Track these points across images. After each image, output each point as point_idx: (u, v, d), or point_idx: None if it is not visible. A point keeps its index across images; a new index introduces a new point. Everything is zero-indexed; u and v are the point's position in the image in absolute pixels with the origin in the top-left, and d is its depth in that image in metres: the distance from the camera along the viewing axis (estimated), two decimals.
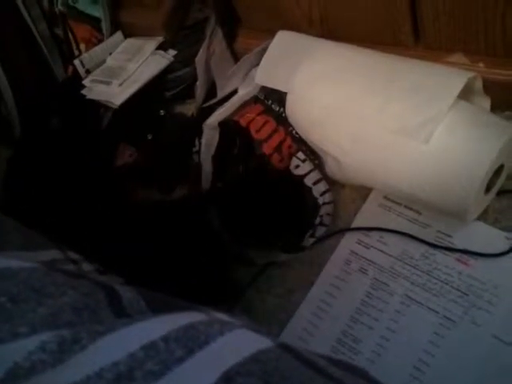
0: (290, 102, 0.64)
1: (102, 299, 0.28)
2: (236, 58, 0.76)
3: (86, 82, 0.81)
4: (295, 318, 0.57)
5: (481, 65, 0.61)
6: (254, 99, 0.69)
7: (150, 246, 0.59)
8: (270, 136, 0.65)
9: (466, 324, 0.52)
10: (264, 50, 0.69)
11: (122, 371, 0.22)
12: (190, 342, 0.25)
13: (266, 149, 0.65)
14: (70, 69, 0.84)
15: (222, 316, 0.31)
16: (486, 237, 0.56)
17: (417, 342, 0.53)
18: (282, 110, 0.66)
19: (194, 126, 0.70)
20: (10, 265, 0.29)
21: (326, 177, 0.64)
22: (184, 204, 0.66)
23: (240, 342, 0.27)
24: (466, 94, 0.56)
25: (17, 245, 0.43)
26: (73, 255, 0.48)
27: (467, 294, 0.53)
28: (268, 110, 0.67)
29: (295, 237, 0.62)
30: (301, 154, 0.64)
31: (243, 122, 0.66)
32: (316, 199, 0.62)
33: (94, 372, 0.22)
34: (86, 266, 0.48)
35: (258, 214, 0.61)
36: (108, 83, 0.79)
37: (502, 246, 0.55)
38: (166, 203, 0.67)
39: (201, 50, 0.74)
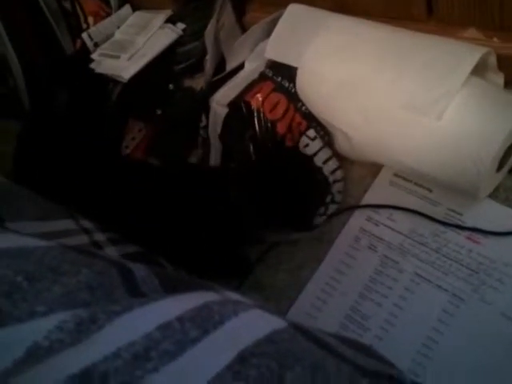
0: (300, 77, 0.63)
1: (116, 277, 0.28)
2: (245, 31, 0.75)
3: (94, 55, 0.81)
4: (304, 294, 0.57)
5: (495, 40, 0.60)
6: (264, 76, 0.68)
7: (165, 216, 0.59)
8: (283, 115, 0.64)
9: (475, 302, 0.52)
10: (273, 22, 0.68)
11: (139, 351, 0.22)
12: (204, 322, 0.25)
13: (280, 128, 0.64)
14: (78, 42, 0.83)
15: (235, 296, 0.32)
16: (497, 215, 0.55)
17: (425, 319, 0.53)
18: (291, 85, 0.65)
19: (202, 101, 0.70)
20: (25, 243, 0.29)
21: (336, 154, 0.63)
22: (203, 176, 0.66)
23: (254, 323, 0.27)
24: (479, 69, 0.55)
25: (31, 214, 0.44)
26: (86, 224, 0.49)
27: (477, 272, 0.53)
28: (279, 88, 0.66)
29: (306, 215, 0.61)
30: (311, 132, 0.63)
31: (254, 103, 0.65)
32: (327, 178, 0.62)
33: (111, 352, 0.22)
34: (99, 236, 0.49)
35: (270, 194, 0.61)
36: (117, 57, 0.78)
37: None
38: (186, 172, 0.67)
39: (210, 24, 0.73)
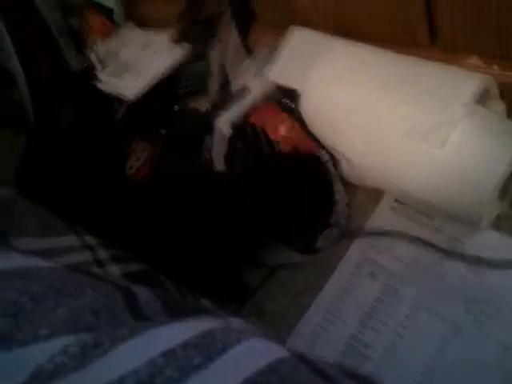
0: (303, 101, 0.64)
1: (120, 301, 0.29)
2: (250, 53, 0.75)
3: (99, 73, 0.81)
4: (304, 321, 0.57)
5: (496, 68, 0.60)
6: (268, 97, 0.68)
7: (169, 235, 0.59)
8: (286, 135, 0.64)
9: (474, 332, 0.52)
10: (278, 45, 0.69)
11: (143, 378, 0.23)
12: (208, 349, 0.25)
13: (285, 148, 0.64)
14: (85, 60, 0.84)
15: (238, 322, 0.32)
16: (499, 245, 0.55)
17: (425, 348, 0.53)
18: (296, 106, 0.65)
19: (206, 122, 0.70)
20: (29, 263, 0.29)
21: (342, 178, 0.64)
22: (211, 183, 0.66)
23: (257, 351, 0.27)
24: (481, 98, 0.55)
25: (35, 230, 0.44)
26: (89, 240, 0.49)
27: (477, 302, 0.53)
28: (282, 108, 0.66)
29: (310, 237, 0.62)
30: (324, 153, 0.63)
31: (258, 123, 0.65)
32: (335, 199, 0.62)
33: (115, 378, 0.22)
34: (102, 253, 0.49)
35: (278, 210, 0.61)
36: (122, 76, 0.79)
37: None
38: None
39: (214, 45, 0.73)
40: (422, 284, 0.56)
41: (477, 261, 0.55)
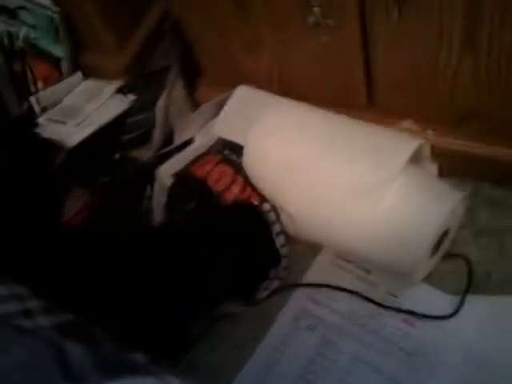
0: (246, 155, 0.65)
1: (49, 357, 0.27)
2: (196, 107, 0.77)
3: (40, 120, 0.80)
4: (242, 375, 0.56)
5: (429, 132, 0.64)
6: (211, 150, 0.69)
7: (104, 285, 0.57)
8: (228, 187, 0.65)
9: None
10: (223, 101, 0.70)
11: None
12: None
13: (227, 198, 0.65)
14: (25, 105, 0.83)
15: (175, 381, 0.31)
16: (432, 299, 0.57)
17: None
18: (239, 159, 0.66)
19: (148, 172, 0.70)
20: None
21: (283, 230, 0.64)
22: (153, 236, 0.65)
23: None
24: (415, 158, 0.58)
25: None
26: (19, 290, 0.47)
27: (413, 356, 0.54)
28: (225, 160, 0.67)
29: (251, 288, 0.62)
30: (266, 206, 0.64)
31: (200, 174, 0.66)
32: (278, 250, 0.63)
33: None
34: (32, 303, 0.47)
35: (221, 264, 0.61)
36: (63, 123, 0.78)
37: (447, 309, 0.56)
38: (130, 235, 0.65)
39: (161, 98, 0.74)
40: (360, 337, 0.57)
41: (410, 314, 0.57)
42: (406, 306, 0.58)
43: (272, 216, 0.63)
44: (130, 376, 0.28)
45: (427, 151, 0.62)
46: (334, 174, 0.59)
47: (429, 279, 0.59)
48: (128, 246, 0.60)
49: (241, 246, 0.61)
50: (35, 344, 0.28)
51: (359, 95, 0.67)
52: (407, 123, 0.66)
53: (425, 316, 0.56)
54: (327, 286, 0.61)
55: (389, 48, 0.59)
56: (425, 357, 0.54)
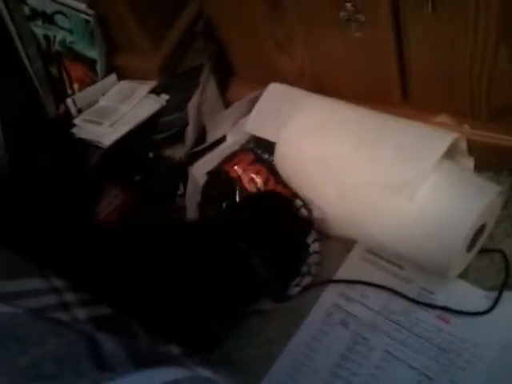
0: (278, 152, 0.65)
1: (83, 349, 0.28)
2: (228, 106, 0.78)
3: (77, 121, 0.82)
4: (273, 370, 0.56)
5: (465, 126, 0.63)
6: (245, 148, 0.70)
7: (139, 280, 0.58)
8: (263, 185, 0.65)
9: (445, 382, 0.51)
10: (255, 99, 0.71)
11: None
12: None
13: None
14: (62, 107, 0.85)
15: (205, 372, 0.31)
16: (467, 295, 0.56)
17: None
18: (271, 158, 0.67)
19: (181, 170, 0.71)
20: None
21: (314, 225, 0.64)
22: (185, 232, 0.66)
23: None
24: (450, 153, 0.57)
25: (1, 273, 0.43)
26: (57, 283, 0.48)
27: (447, 352, 0.53)
28: (259, 160, 0.68)
29: (283, 285, 0.61)
30: (298, 202, 0.64)
31: (234, 173, 0.66)
32: (308, 246, 0.63)
33: None
34: (69, 296, 0.48)
35: (254, 260, 0.61)
36: (99, 123, 0.80)
37: (483, 305, 0.55)
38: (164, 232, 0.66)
39: (194, 96, 0.75)
40: (392, 333, 0.56)
41: (445, 311, 0.56)
42: (441, 302, 0.56)
43: (303, 212, 0.62)
44: (161, 367, 0.29)
45: (463, 145, 0.61)
46: (367, 170, 0.59)
47: (465, 275, 0.57)
48: (161, 243, 0.61)
49: (273, 241, 0.61)
50: (70, 335, 0.29)
51: (393, 91, 0.66)
52: (442, 118, 0.65)
53: (460, 312, 0.55)
54: (360, 282, 0.60)
55: (422, 42, 0.58)
56: (459, 353, 0.53)
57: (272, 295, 0.59)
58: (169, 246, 0.61)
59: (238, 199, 0.66)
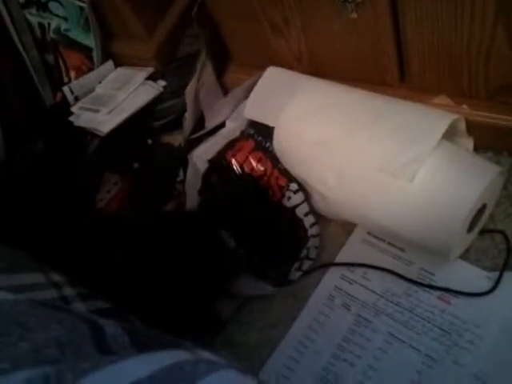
0: (277, 136, 0.65)
1: (85, 334, 0.28)
2: (225, 91, 0.77)
3: (74, 108, 0.81)
4: (276, 353, 0.56)
5: (464, 107, 0.63)
6: (245, 135, 0.69)
7: (137, 270, 0.58)
8: (263, 172, 0.65)
9: (447, 363, 0.52)
10: (253, 84, 0.70)
11: None
12: (176, 382, 0.24)
13: (260, 185, 0.65)
14: (59, 95, 0.84)
15: (208, 354, 0.31)
16: (468, 275, 0.56)
17: (399, 380, 0.52)
18: (269, 144, 0.66)
19: (180, 156, 0.71)
20: None
21: (313, 210, 0.64)
22: (180, 221, 0.66)
23: (226, 382, 0.27)
24: (449, 134, 0.57)
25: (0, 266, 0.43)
26: (55, 277, 0.48)
27: (449, 333, 0.53)
28: (259, 147, 0.67)
29: (283, 269, 0.61)
30: (293, 186, 0.64)
31: (236, 161, 0.66)
32: (306, 231, 0.63)
33: None
34: (68, 290, 0.48)
35: (250, 245, 0.61)
36: (96, 111, 0.79)
37: (484, 286, 0.55)
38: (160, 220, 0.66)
39: (191, 82, 0.75)
40: (394, 315, 0.56)
41: (446, 292, 0.56)
42: (442, 283, 0.57)
43: (300, 196, 0.62)
44: (164, 350, 0.29)
45: (462, 126, 0.61)
46: (366, 152, 0.58)
47: (465, 256, 0.58)
48: (154, 231, 0.61)
49: (270, 226, 0.61)
50: (72, 321, 0.29)
51: (391, 72, 0.65)
52: (441, 98, 0.64)
53: (461, 293, 0.55)
54: (361, 264, 0.60)
55: (420, 22, 0.58)
56: (461, 334, 0.53)
57: (271, 280, 0.59)
58: (161, 237, 0.61)
59: (239, 186, 0.66)
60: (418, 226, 0.56)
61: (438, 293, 0.56)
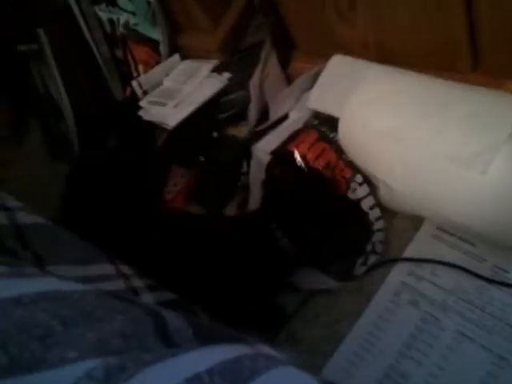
0: (342, 126, 0.63)
1: (150, 326, 0.29)
2: (290, 81, 0.76)
3: (142, 102, 0.83)
4: (341, 350, 0.56)
5: None
6: (308, 125, 0.68)
7: (203, 264, 0.59)
8: (327, 164, 0.64)
9: None
10: (317, 74, 0.69)
11: None
12: (234, 377, 0.25)
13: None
14: (128, 89, 0.86)
15: (269, 350, 0.31)
16: None
17: (468, 381, 0.50)
18: (334, 135, 0.65)
19: (244, 149, 0.71)
20: (62, 287, 0.30)
21: (378, 203, 0.63)
22: (241, 223, 0.66)
23: (285, 380, 0.27)
24: None
25: (71, 258, 0.44)
26: (124, 269, 0.49)
27: None
28: (323, 137, 0.66)
29: (347, 264, 0.61)
30: (359, 177, 0.62)
31: (299, 152, 0.65)
32: (372, 224, 0.61)
33: None
34: (137, 282, 0.49)
35: (314, 238, 0.60)
36: (163, 104, 0.81)
37: None
38: (220, 222, 0.67)
39: (255, 73, 0.75)
40: (464, 313, 0.54)
41: None
42: None
43: (366, 188, 0.61)
44: (224, 344, 0.29)
45: None
46: (435, 141, 0.56)
47: None
48: (218, 229, 0.62)
49: (334, 220, 0.60)
50: (137, 313, 0.29)
51: (462, 56, 0.62)
52: None
53: None
54: (430, 260, 0.58)
55: (494, 1, 0.54)
56: None
57: (336, 275, 0.59)
58: (224, 234, 0.62)
59: (303, 178, 0.65)
60: (491, 220, 0.53)
61: (510, 291, 0.53)
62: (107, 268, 0.48)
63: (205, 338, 0.30)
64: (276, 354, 0.31)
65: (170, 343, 0.28)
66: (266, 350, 0.31)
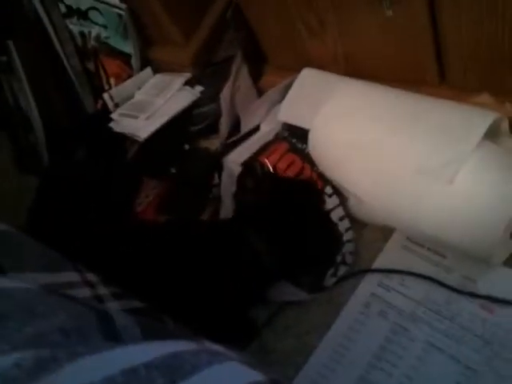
0: (312, 139, 0.64)
1: (92, 322, 0.28)
2: (261, 94, 0.77)
3: (114, 115, 0.83)
4: (311, 361, 0.55)
5: (507, 105, 0.60)
6: (279, 137, 0.68)
7: (173, 274, 0.59)
8: (297, 175, 0.64)
9: (488, 375, 0.49)
10: (288, 86, 0.69)
11: None
12: (173, 372, 0.24)
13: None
14: (100, 102, 0.86)
15: (216, 346, 0.31)
16: (510, 283, 0.54)
17: None
18: (305, 146, 0.65)
19: (216, 161, 0.71)
20: (4, 284, 0.29)
21: (348, 214, 0.63)
22: (216, 228, 0.66)
23: (228, 375, 0.26)
24: (491, 134, 0.55)
25: (34, 265, 0.44)
26: (90, 277, 0.48)
27: (491, 343, 0.51)
28: (293, 149, 0.66)
29: (317, 275, 0.60)
30: (328, 189, 0.63)
31: (270, 163, 0.65)
32: (341, 235, 0.61)
33: None
34: (102, 289, 0.48)
35: (284, 250, 0.60)
36: (135, 117, 0.80)
37: None
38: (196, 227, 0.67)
39: (226, 86, 0.75)
40: (433, 324, 0.54)
41: (489, 300, 0.53)
42: (484, 291, 0.54)
43: (335, 199, 0.61)
44: (168, 340, 0.29)
45: (505, 125, 0.58)
46: (403, 154, 0.57)
47: (509, 262, 0.55)
48: (189, 239, 0.61)
49: (303, 231, 0.60)
50: (81, 310, 0.29)
51: (429, 70, 0.63)
52: (482, 97, 0.61)
53: (505, 301, 0.53)
54: (399, 271, 0.58)
55: (459, 18, 0.56)
56: (504, 345, 0.50)
57: (305, 286, 0.58)
58: (195, 244, 0.61)
59: (273, 189, 0.65)
60: (459, 230, 0.54)
61: (479, 301, 0.54)
62: (72, 275, 0.47)
63: (154, 338, 0.30)
64: (224, 350, 0.31)
65: (114, 339, 0.28)
66: (213, 346, 0.31)
